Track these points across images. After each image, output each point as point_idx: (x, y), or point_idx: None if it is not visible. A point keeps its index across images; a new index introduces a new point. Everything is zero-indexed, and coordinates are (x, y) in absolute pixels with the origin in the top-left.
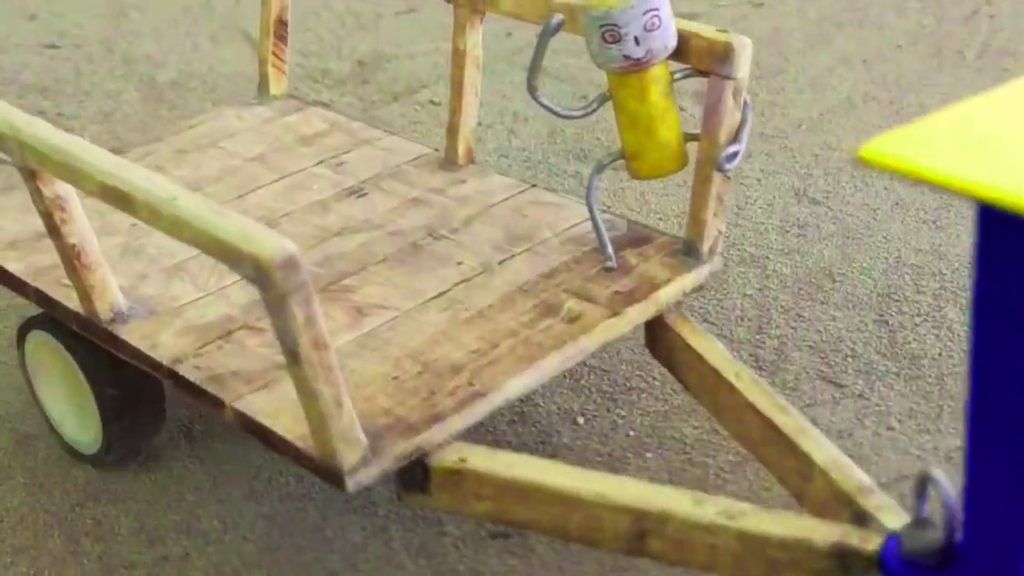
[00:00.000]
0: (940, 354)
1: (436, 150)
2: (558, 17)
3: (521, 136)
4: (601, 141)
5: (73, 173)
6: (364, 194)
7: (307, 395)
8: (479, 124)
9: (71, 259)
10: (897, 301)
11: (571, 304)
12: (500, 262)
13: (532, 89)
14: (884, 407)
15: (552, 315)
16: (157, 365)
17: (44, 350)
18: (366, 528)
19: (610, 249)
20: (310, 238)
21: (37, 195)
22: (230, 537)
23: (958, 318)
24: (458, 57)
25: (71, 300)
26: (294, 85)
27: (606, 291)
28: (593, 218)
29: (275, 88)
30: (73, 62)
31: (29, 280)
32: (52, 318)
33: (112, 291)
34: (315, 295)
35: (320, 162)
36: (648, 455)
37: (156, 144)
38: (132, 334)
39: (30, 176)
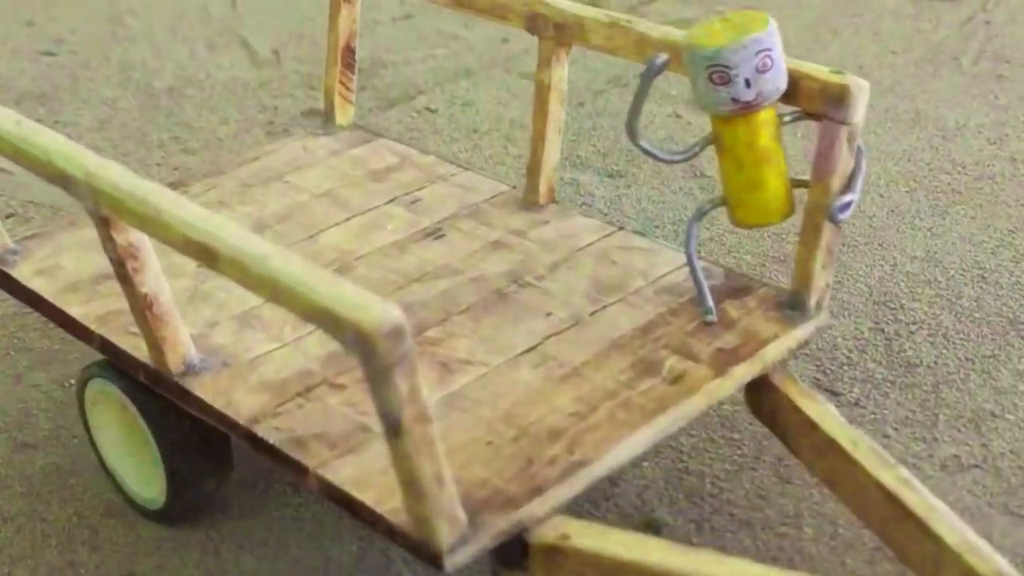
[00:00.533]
0: (936, 362)
1: (513, 187)
2: (662, 57)
3: (518, 143)
4: (596, 149)
5: (152, 224)
6: (442, 235)
7: (405, 470)
8: (475, 131)
9: (142, 309)
10: (893, 309)
11: (672, 362)
12: (592, 313)
13: (632, 132)
14: (879, 415)
15: (652, 374)
16: (233, 425)
17: (105, 399)
18: (363, 538)
19: (710, 302)
20: (388, 284)
21: (108, 242)
22: (227, 547)
23: (953, 326)
24: (542, 92)
25: (139, 350)
26: (292, 92)
27: (708, 348)
28: (692, 269)
29: (341, 118)
30: (70, 69)
31: (93, 327)
32: (115, 365)
33: (184, 343)
34: (419, 365)
35: (393, 199)
36: (645, 464)
37: (218, 177)
38: (205, 389)
39: (102, 223)
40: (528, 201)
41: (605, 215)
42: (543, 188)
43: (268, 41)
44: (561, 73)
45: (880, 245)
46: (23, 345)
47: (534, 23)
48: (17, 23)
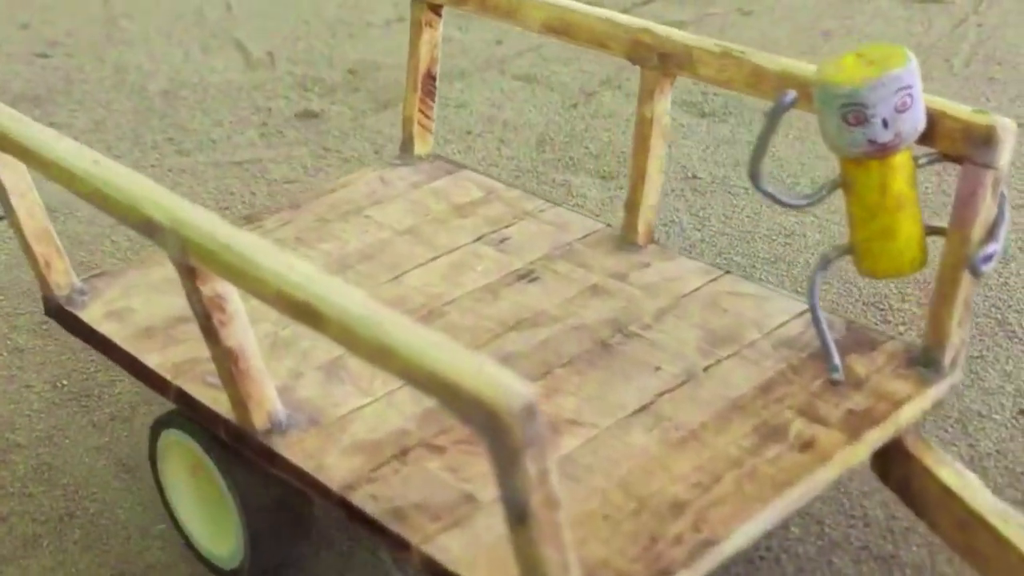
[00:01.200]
0: None
1: (608, 225)
2: (791, 94)
3: (511, 145)
4: (589, 151)
5: (246, 278)
6: (535, 278)
7: (529, 558)
8: (468, 133)
9: (227, 364)
10: (882, 310)
11: (799, 426)
12: (705, 368)
13: (755, 177)
14: None
15: (778, 439)
16: (325, 491)
17: (179, 451)
18: (352, 538)
19: (837, 359)
20: (482, 332)
21: (193, 293)
22: None
23: None
24: (643, 126)
25: (219, 403)
26: (285, 94)
27: (837, 410)
28: (817, 322)
29: (421, 148)
30: (64, 71)
31: (170, 377)
32: (192, 417)
33: (270, 399)
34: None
35: (480, 237)
36: None
37: (294, 212)
38: (293, 450)
39: (187, 272)
40: (625, 241)
41: (597, 216)
42: (642, 228)
43: (262, 43)
44: (664, 106)
45: None
46: (15, 346)
47: (636, 52)
48: (12, 26)
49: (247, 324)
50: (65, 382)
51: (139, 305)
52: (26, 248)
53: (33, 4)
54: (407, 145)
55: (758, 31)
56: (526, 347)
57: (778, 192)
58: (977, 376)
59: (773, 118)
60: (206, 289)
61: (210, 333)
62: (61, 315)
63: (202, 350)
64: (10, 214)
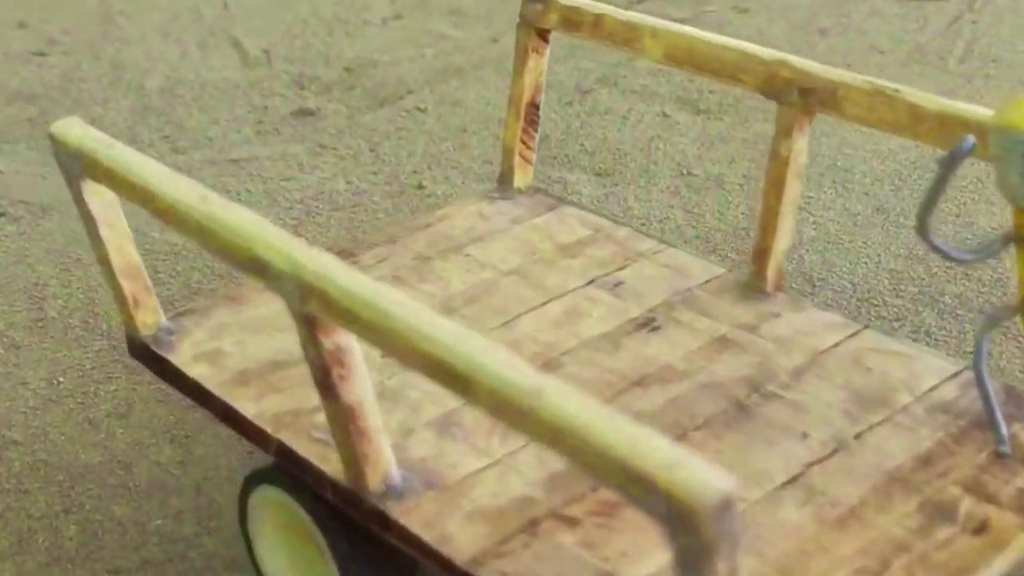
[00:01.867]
0: None
1: (729, 270)
2: (969, 140)
3: None
4: (585, 148)
5: (376, 333)
6: (657, 327)
7: None
8: (464, 130)
9: (344, 422)
10: (876, 305)
11: (968, 505)
12: (856, 436)
13: (923, 229)
14: None
15: (947, 520)
16: (448, 564)
17: (275, 508)
18: None
19: (1004, 429)
20: (604, 387)
21: (312, 345)
22: (213, 542)
23: (935, 322)
24: (777, 165)
25: (326, 461)
26: (282, 92)
27: (1007, 487)
28: (983, 389)
29: (521, 180)
30: (61, 69)
31: (270, 430)
32: (291, 473)
33: (386, 459)
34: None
35: (592, 281)
36: None
37: (390, 246)
38: (410, 516)
39: (305, 321)
40: (752, 288)
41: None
42: (771, 274)
43: (259, 41)
44: (803, 144)
45: (864, 242)
46: (11, 343)
47: (772, 87)
48: (9, 24)
49: (367, 379)
50: (61, 379)
51: (231, 347)
52: (113, 284)
53: (30, 3)
54: (506, 177)
55: (754, 29)
56: (654, 406)
57: (946, 246)
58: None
59: (949, 167)
60: (327, 342)
61: (327, 388)
62: (147, 357)
63: (303, 399)
64: (97, 247)
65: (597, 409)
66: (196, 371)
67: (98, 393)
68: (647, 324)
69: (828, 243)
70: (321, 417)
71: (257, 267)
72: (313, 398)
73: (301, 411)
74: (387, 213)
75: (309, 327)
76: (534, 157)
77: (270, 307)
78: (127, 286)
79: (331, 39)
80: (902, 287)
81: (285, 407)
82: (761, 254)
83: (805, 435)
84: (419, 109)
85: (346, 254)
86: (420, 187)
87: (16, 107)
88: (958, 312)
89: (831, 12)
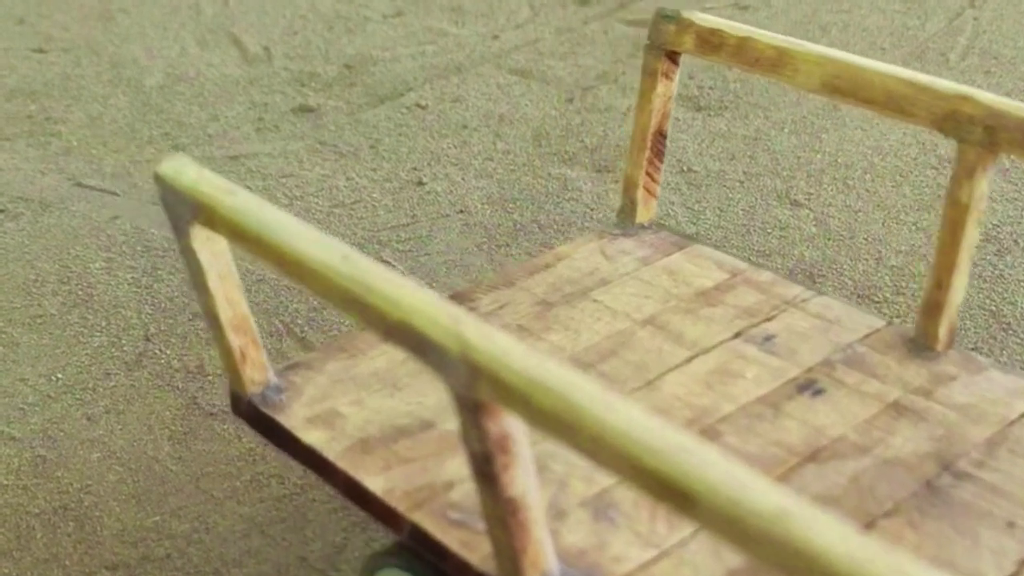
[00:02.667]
0: None
1: (890, 323)
2: None
3: (506, 139)
4: (585, 145)
5: (566, 429)
6: (820, 390)
7: None
8: (464, 127)
9: (503, 515)
10: (877, 302)
11: None
12: None
13: None
14: None
15: None
16: None
17: None
18: (347, 529)
19: None
20: (773, 463)
21: (474, 430)
22: (211, 538)
23: None
24: (956, 210)
25: (473, 551)
26: (282, 89)
27: None
28: None
29: (644, 215)
30: (60, 66)
31: (403, 510)
32: (424, 558)
33: (545, 554)
34: None
35: (739, 334)
36: None
37: (507, 290)
38: None
39: (472, 406)
40: (919, 344)
41: (592, 210)
42: (943, 331)
43: (259, 38)
44: (984, 188)
45: (865, 239)
46: (10, 339)
47: (951, 123)
48: (8, 21)
49: (532, 467)
50: (60, 376)
51: (348, 408)
52: (220, 338)
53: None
54: (627, 211)
55: (755, 26)
56: (834, 486)
57: None
58: None
59: None
60: (494, 428)
61: (488, 478)
62: (255, 418)
63: (435, 472)
64: (205, 298)
65: (855, 539)
66: (312, 437)
67: (96, 389)
68: (808, 387)
69: (829, 239)
70: (458, 494)
71: (412, 342)
72: (447, 471)
73: (435, 487)
74: (387, 210)
75: (474, 412)
76: (658, 190)
77: (386, 359)
78: (235, 340)
79: (331, 36)
80: (903, 284)
81: (416, 481)
82: (932, 308)
83: (1011, 524)
84: (419, 106)
85: (462, 298)
86: (420, 184)
87: (15, 104)
88: (959, 309)
89: (832, 9)
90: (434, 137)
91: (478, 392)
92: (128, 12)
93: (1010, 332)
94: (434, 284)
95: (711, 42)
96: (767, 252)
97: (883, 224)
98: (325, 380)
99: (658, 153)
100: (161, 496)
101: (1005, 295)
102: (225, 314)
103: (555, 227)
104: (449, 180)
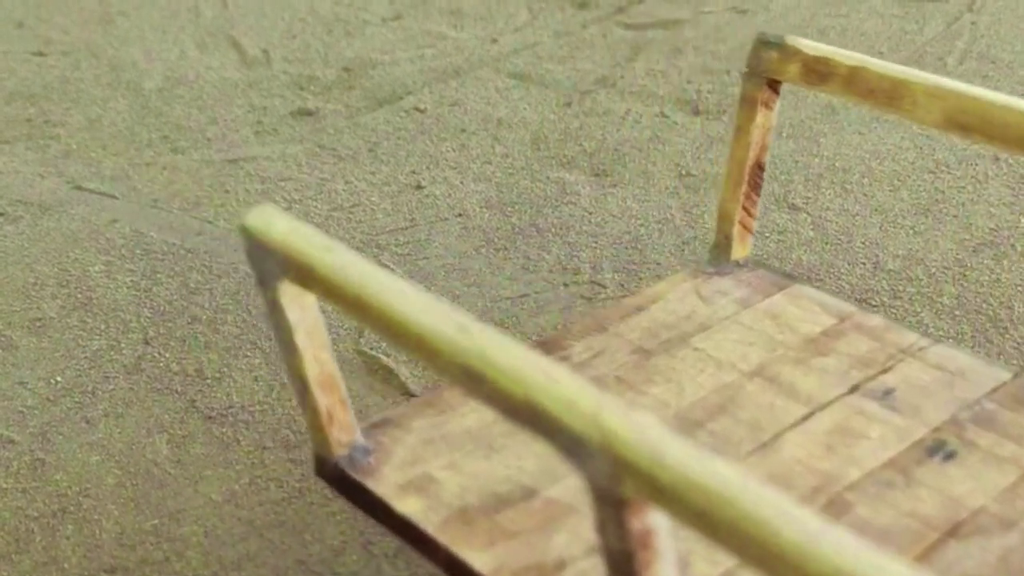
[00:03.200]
0: None
1: (1016, 375)
2: None
3: (504, 143)
4: (584, 148)
5: (726, 532)
6: (951, 453)
7: None
8: (463, 131)
9: None
10: (874, 306)
11: None
12: None
13: None
14: None
15: None
16: None
17: None
18: (345, 532)
19: None
20: (912, 538)
21: (614, 525)
22: (210, 541)
23: (934, 323)
24: None
25: None
26: (281, 93)
27: None
28: None
29: (739, 252)
30: (60, 69)
31: None
32: None
33: None
34: None
35: (855, 387)
36: None
37: (600, 336)
38: None
39: (613, 503)
40: None
41: (591, 213)
42: None
43: (258, 41)
44: None
45: (863, 243)
46: (9, 342)
47: None
48: (7, 24)
49: (676, 562)
50: (59, 379)
51: (442, 473)
52: (305, 398)
53: (28, 2)
54: (722, 248)
55: (754, 29)
56: (982, 567)
57: None
58: None
59: None
60: (636, 524)
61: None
62: (343, 483)
63: (543, 548)
64: (291, 357)
65: None
66: (407, 506)
67: (95, 393)
68: (938, 449)
69: (826, 243)
70: (571, 574)
71: (540, 425)
72: (556, 547)
73: (544, 567)
74: (386, 213)
75: (616, 509)
76: (755, 224)
77: (477, 416)
78: (322, 400)
79: (330, 39)
80: (900, 288)
81: (523, 559)
82: None
83: None
84: (418, 109)
85: (552, 345)
86: (419, 187)
87: (15, 107)
88: (956, 313)
89: (830, 13)
90: (433, 141)
91: (622, 488)
92: (127, 15)
93: (1007, 336)
94: (432, 287)
95: (818, 71)
96: (765, 256)
97: (880, 228)
98: (415, 440)
99: (755, 187)
100: (160, 499)
101: (1002, 299)
102: (312, 372)
103: (553, 231)
104: (448, 183)
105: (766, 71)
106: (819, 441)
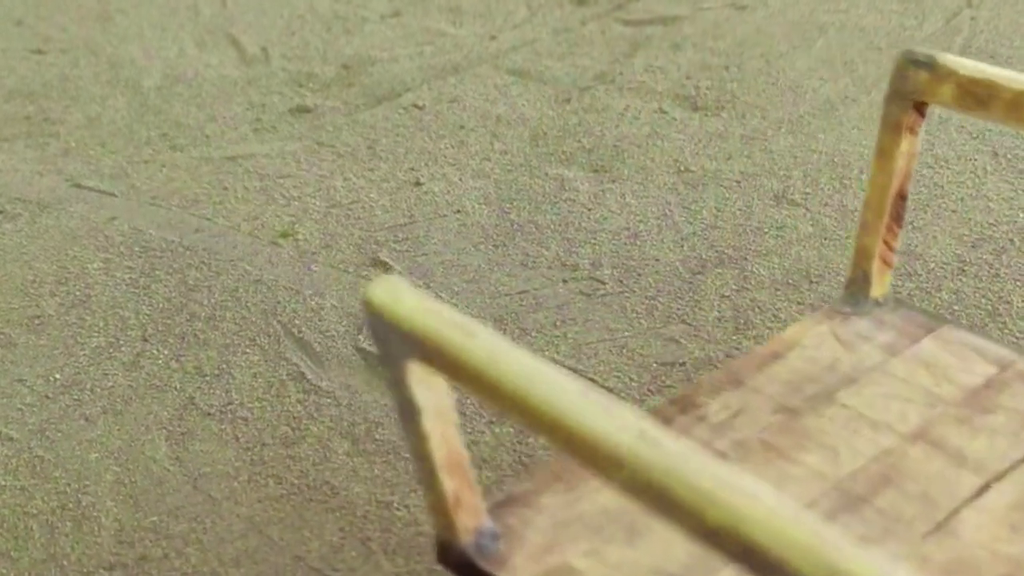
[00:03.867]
0: None
1: None
2: None
3: (503, 139)
4: (582, 145)
5: None
6: None
7: None
8: (461, 127)
9: None
10: None
11: None
12: None
13: None
14: None
15: None
16: None
17: None
18: (344, 529)
19: None
20: None
21: None
22: (209, 538)
23: None
24: None
25: None
26: (280, 90)
27: None
28: None
29: (879, 289)
30: (59, 67)
31: None
32: None
33: None
34: None
35: None
36: None
37: (736, 391)
38: None
39: None
40: None
41: (590, 210)
42: None
43: (257, 38)
44: None
45: None
46: (8, 340)
47: None
48: (6, 22)
49: None
50: (57, 376)
51: (583, 561)
52: (431, 481)
53: (27, 0)
54: (859, 286)
55: (752, 26)
56: None
57: None
58: None
59: None
60: None
61: None
62: (471, 572)
63: None
64: (416, 439)
65: None
66: None
67: (94, 390)
68: None
69: (825, 239)
70: None
71: (746, 555)
72: None
73: None
74: (384, 210)
75: None
76: (895, 259)
77: (613, 492)
78: (449, 483)
79: (329, 36)
80: (899, 283)
81: None
82: None
83: None
84: (417, 106)
85: (686, 403)
86: (417, 184)
87: (13, 105)
88: (955, 307)
89: (829, 8)
90: (431, 137)
91: None
92: (126, 13)
93: (1006, 331)
94: (431, 284)
95: (976, 95)
96: (763, 252)
97: None
98: (546, 522)
99: (897, 218)
100: (159, 496)
101: (1001, 294)
102: (439, 454)
103: (552, 227)
104: (446, 180)
105: (913, 93)
106: (1001, 519)
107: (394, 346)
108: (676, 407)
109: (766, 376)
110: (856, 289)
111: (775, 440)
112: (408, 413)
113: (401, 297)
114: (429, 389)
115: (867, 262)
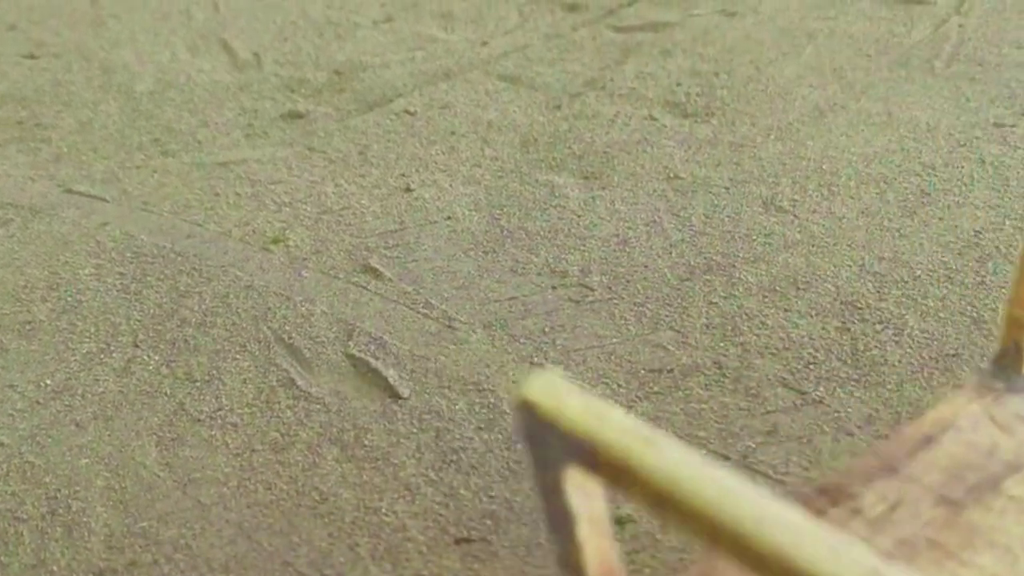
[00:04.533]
0: (900, 361)
1: None
2: None
3: (494, 145)
4: (573, 151)
5: None
6: None
7: None
8: (452, 133)
9: None
10: (860, 309)
11: None
12: None
13: None
14: (843, 413)
15: None
16: None
17: None
18: (332, 534)
19: None
20: None
21: None
22: (198, 544)
23: (919, 325)
24: None
25: None
26: (272, 96)
27: None
28: None
29: None
30: (51, 72)
31: None
32: None
33: None
34: None
35: None
36: None
37: (891, 480)
38: None
39: None
40: None
41: (579, 216)
42: None
43: (249, 44)
44: None
45: (849, 245)
46: (0, 346)
47: None
48: None
49: None
50: (48, 381)
51: None
52: None
53: (20, 5)
54: (1011, 358)
55: (742, 32)
56: None
57: None
58: (952, 374)
59: None
60: None
61: None
62: None
63: None
64: (566, 546)
65: None
66: None
67: (85, 395)
68: None
69: (813, 246)
70: None
71: None
72: None
73: None
74: (375, 216)
75: None
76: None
77: None
78: None
79: (321, 42)
80: (886, 290)
81: None
82: None
83: None
84: (408, 112)
85: (838, 493)
86: (408, 190)
87: (6, 110)
88: (940, 314)
89: (818, 16)
90: (422, 143)
91: None
92: (119, 18)
93: (991, 339)
94: (421, 290)
95: None
96: (751, 258)
97: (867, 231)
98: None
99: None
100: (148, 502)
101: (987, 302)
102: (592, 564)
103: (542, 233)
104: (437, 186)
105: None
106: None
107: (552, 450)
108: (827, 498)
109: (921, 463)
110: (1007, 362)
111: (941, 537)
112: (561, 521)
113: (563, 397)
114: (586, 496)
115: (1019, 333)
